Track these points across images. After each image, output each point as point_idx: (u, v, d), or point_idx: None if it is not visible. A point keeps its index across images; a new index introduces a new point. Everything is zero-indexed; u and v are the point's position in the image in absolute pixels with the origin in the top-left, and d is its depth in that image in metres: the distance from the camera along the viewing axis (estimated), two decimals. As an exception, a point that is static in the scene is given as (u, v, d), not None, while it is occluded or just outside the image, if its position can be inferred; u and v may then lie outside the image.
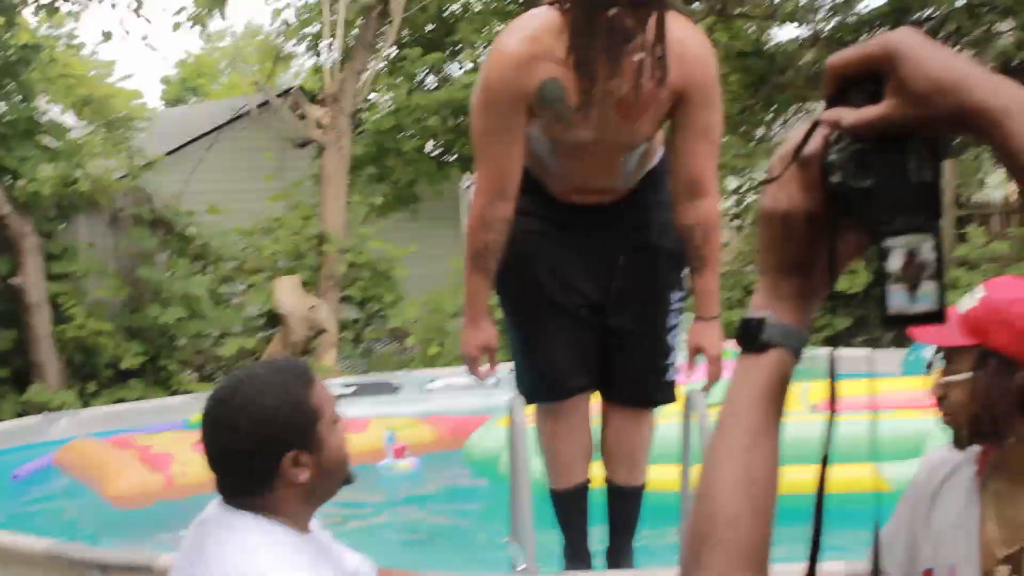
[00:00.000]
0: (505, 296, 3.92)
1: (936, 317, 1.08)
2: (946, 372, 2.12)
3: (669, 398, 4.00)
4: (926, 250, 1.08)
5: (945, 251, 1.09)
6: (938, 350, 2.10)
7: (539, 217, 3.77)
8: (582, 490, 4.03)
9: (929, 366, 2.14)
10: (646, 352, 3.90)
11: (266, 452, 2.23)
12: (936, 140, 1.09)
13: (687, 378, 3.89)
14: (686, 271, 3.86)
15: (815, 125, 1.14)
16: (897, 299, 1.08)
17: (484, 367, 3.80)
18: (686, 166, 3.64)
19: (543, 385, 3.87)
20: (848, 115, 1.07)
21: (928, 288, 1.08)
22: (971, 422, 2.07)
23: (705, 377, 3.76)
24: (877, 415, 1.61)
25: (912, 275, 1.08)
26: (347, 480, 2.37)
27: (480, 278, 3.70)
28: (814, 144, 1.14)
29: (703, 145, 3.63)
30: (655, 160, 3.85)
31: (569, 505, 4.04)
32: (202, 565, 2.23)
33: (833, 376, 1.22)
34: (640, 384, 3.94)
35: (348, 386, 8.55)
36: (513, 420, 3.73)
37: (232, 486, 2.29)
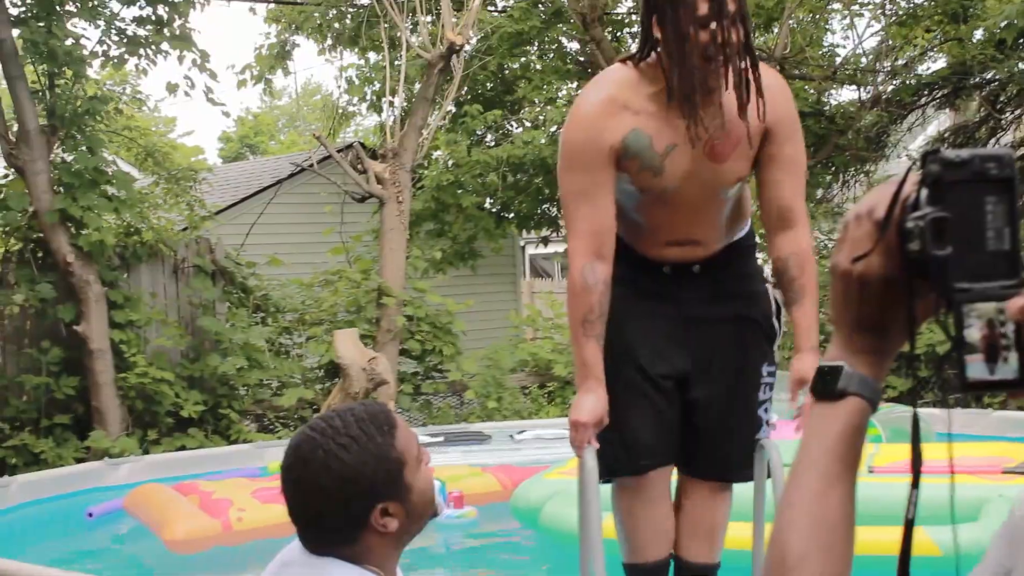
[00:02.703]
0: None
1: (1018, 385, 1.09)
2: None
3: (753, 475, 3.89)
4: (1006, 319, 1.08)
5: None
6: None
7: (628, 284, 3.71)
8: (662, 566, 3.93)
9: None
10: (732, 426, 3.82)
11: (354, 509, 2.21)
12: (1014, 208, 1.10)
13: (792, 407, 3.78)
14: (776, 344, 3.84)
15: (898, 192, 1.16)
16: (976, 368, 1.09)
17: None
18: (776, 198, 3.65)
19: (622, 459, 3.76)
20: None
21: (1009, 357, 1.08)
22: None
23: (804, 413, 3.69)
24: (951, 478, 1.60)
25: (991, 344, 1.08)
26: (434, 515, 2.36)
27: (591, 344, 3.58)
28: (891, 209, 1.16)
29: (791, 177, 3.64)
30: (744, 228, 3.83)
31: None
32: None
33: (916, 437, 1.23)
34: (724, 459, 3.86)
35: (436, 436, 8.58)
36: (584, 468, 3.67)
37: (318, 539, 2.27)
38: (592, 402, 3.59)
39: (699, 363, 3.78)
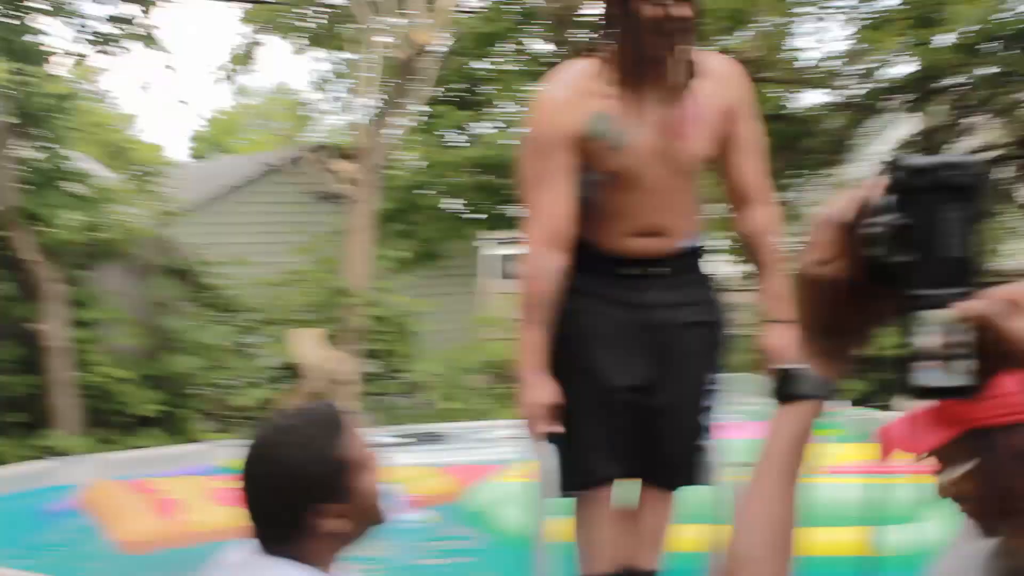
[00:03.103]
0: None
1: (968, 392, 1.11)
2: (942, 470, 2.06)
3: (704, 480, 3.94)
4: (961, 326, 1.10)
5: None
6: (926, 455, 2.02)
7: (591, 295, 3.73)
8: None
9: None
10: (687, 434, 3.86)
11: (295, 507, 2.22)
12: (974, 216, 1.10)
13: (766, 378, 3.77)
14: (724, 350, 3.85)
15: (861, 200, 1.18)
16: (930, 373, 1.10)
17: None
18: (740, 176, 3.75)
19: (579, 474, 3.77)
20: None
21: (962, 364, 1.10)
22: (996, 503, 2.01)
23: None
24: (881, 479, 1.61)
25: (947, 350, 1.10)
26: (381, 521, 2.35)
27: (536, 331, 3.62)
28: (855, 214, 1.16)
29: (752, 156, 3.75)
30: (698, 233, 3.87)
31: None
32: None
33: (865, 438, 1.27)
34: (682, 466, 3.89)
35: (407, 436, 8.57)
36: (543, 470, 3.68)
37: (263, 535, 2.28)
38: (536, 392, 3.59)
39: (660, 370, 3.80)
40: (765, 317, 3.80)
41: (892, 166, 1.14)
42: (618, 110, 3.56)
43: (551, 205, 3.59)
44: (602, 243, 3.74)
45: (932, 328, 1.09)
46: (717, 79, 3.65)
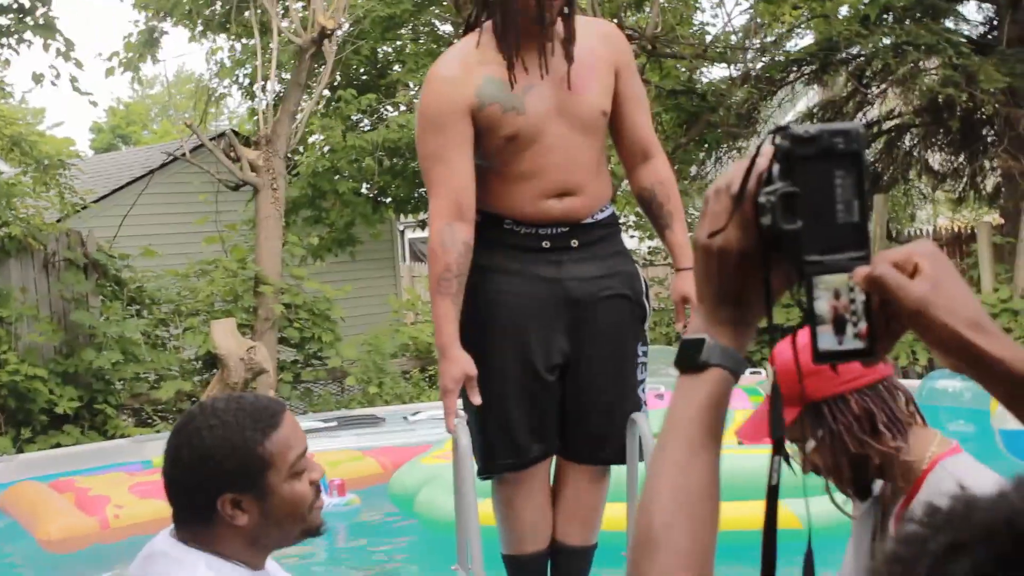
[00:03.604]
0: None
1: (866, 354, 1.12)
2: (802, 447, 2.17)
3: (635, 455, 3.86)
4: (854, 290, 1.11)
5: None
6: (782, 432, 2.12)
7: (506, 272, 3.71)
8: (542, 557, 3.93)
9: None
10: (612, 409, 3.81)
11: (203, 489, 2.20)
12: (862, 181, 1.12)
13: (680, 328, 3.82)
14: (647, 324, 3.88)
15: (750, 167, 1.18)
16: (826, 338, 1.12)
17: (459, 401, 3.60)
18: (632, 132, 3.81)
19: (504, 454, 3.73)
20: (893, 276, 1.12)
21: (856, 328, 1.11)
22: (850, 469, 2.12)
23: (687, 327, 3.72)
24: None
25: (840, 315, 1.11)
26: (310, 533, 2.32)
27: (446, 303, 3.58)
28: (745, 184, 1.18)
29: (641, 111, 3.83)
30: (610, 203, 3.87)
31: (526, 572, 3.93)
32: None
33: (776, 404, 1.27)
34: (604, 443, 3.83)
35: (329, 421, 8.53)
36: (457, 445, 3.67)
37: (176, 515, 2.27)
38: (451, 364, 3.59)
39: (580, 345, 3.77)
40: (675, 265, 3.84)
41: (777, 135, 1.15)
42: (506, 74, 3.58)
43: (451, 178, 3.59)
44: (514, 212, 3.72)
45: (826, 293, 1.11)
46: (600, 37, 3.73)
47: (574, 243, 3.75)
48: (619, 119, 3.80)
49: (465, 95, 3.56)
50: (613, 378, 3.82)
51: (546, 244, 3.73)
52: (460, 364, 3.58)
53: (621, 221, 9.46)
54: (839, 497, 2.22)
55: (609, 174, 3.91)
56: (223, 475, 2.19)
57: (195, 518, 2.23)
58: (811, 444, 2.13)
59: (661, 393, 6.44)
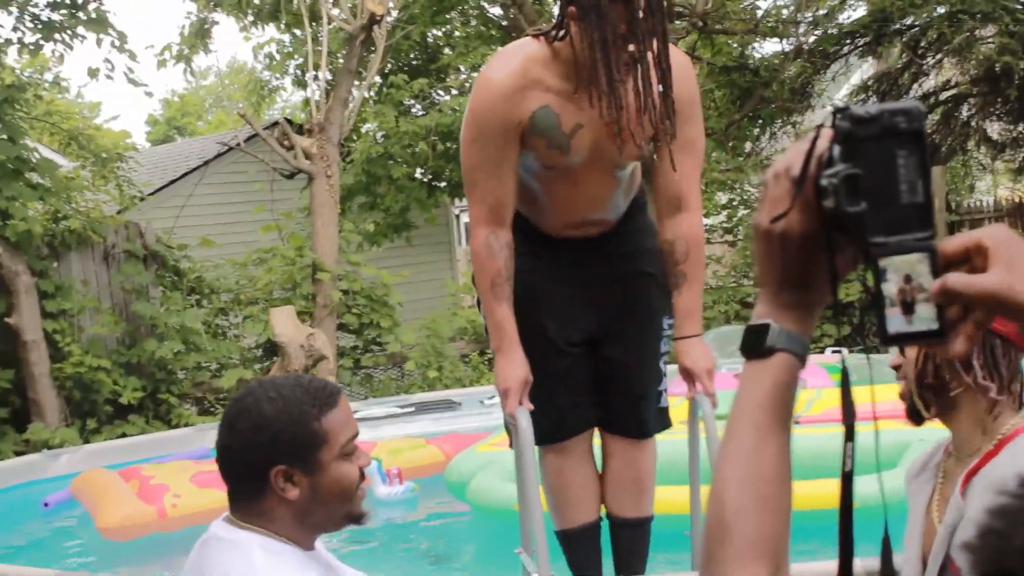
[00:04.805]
0: None
1: (936, 335, 1.10)
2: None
3: (664, 424, 3.97)
4: (922, 270, 1.10)
5: (940, 268, 1.10)
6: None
7: (532, 255, 3.75)
8: (593, 528, 3.99)
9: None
10: (641, 381, 3.89)
11: (256, 458, 2.23)
12: (925, 161, 1.11)
13: (688, 396, 3.83)
14: (671, 336, 3.88)
15: (811, 150, 1.16)
16: (895, 320, 1.10)
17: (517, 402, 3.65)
18: (669, 182, 3.66)
19: (544, 426, 3.77)
20: (959, 279, 1.08)
21: (925, 309, 1.10)
22: (918, 379, 2.15)
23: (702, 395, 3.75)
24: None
25: (908, 296, 1.10)
26: (354, 518, 2.35)
27: (502, 308, 3.62)
28: (805, 166, 1.17)
29: (686, 160, 3.63)
30: (636, 188, 3.87)
31: (580, 544, 3.98)
32: None
33: (847, 390, 1.25)
34: (639, 413, 3.91)
35: (406, 406, 8.55)
36: (519, 430, 3.69)
37: (230, 491, 2.30)
38: (514, 367, 3.63)
39: (606, 322, 3.83)
40: (679, 333, 3.76)
41: (837, 116, 1.14)
42: (561, 107, 3.50)
43: (496, 191, 3.58)
44: (542, 228, 3.79)
45: (893, 275, 1.10)
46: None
47: (596, 232, 3.79)
48: (657, 165, 3.68)
49: (519, 115, 3.50)
50: (640, 352, 3.88)
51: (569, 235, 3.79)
52: (524, 367, 3.63)
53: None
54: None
55: (637, 176, 3.86)
56: (278, 446, 2.22)
57: (247, 491, 2.27)
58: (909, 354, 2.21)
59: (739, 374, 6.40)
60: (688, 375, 3.73)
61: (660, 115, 3.45)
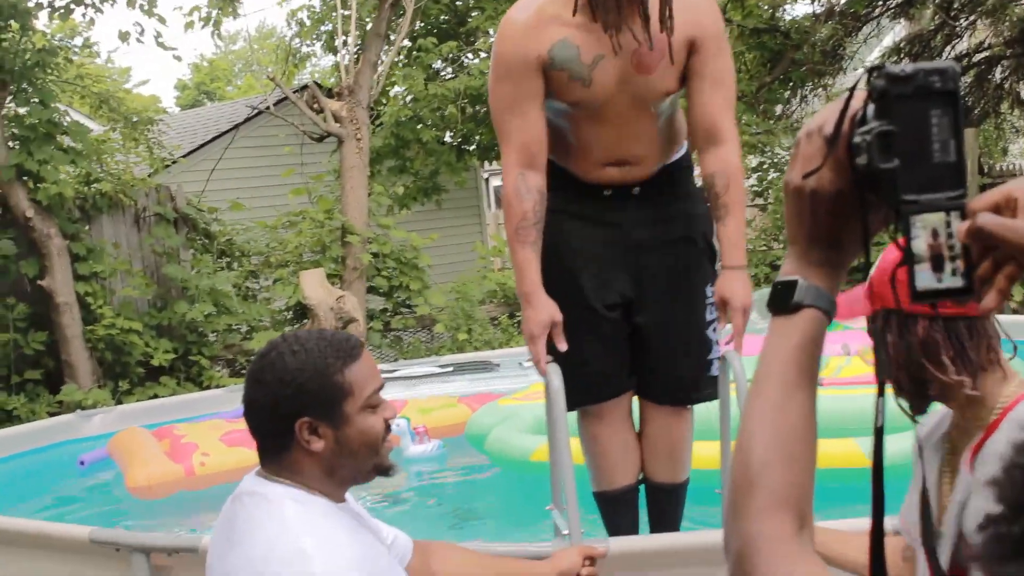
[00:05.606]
0: None
1: (964, 292, 1.11)
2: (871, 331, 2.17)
3: (710, 395, 3.91)
4: (952, 228, 1.10)
5: None
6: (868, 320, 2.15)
7: (570, 215, 3.74)
8: (631, 491, 3.99)
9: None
10: (681, 349, 3.85)
11: (281, 411, 2.25)
12: (958, 121, 1.11)
13: (720, 327, 3.80)
14: (718, 264, 3.84)
15: (845, 108, 1.17)
16: (924, 277, 1.11)
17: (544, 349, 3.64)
18: (703, 115, 3.66)
19: (581, 389, 3.77)
20: (990, 219, 1.08)
21: (954, 266, 1.11)
22: (909, 382, 2.10)
23: (731, 328, 3.72)
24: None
25: (938, 253, 1.11)
26: (381, 470, 2.37)
27: (526, 251, 3.61)
28: (838, 125, 1.18)
29: (718, 93, 3.65)
30: (681, 150, 3.85)
31: (617, 507, 3.99)
32: (238, 536, 2.24)
33: (879, 348, 1.26)
34: (674, 381, 3.89)
35: (445, 366, 8.58)
36: (550, 388, 3.70)
37: (259, 445, 2.33)
38: (535, 310, 3.62)
39: (643, 288, 3.80)
40: (722, 263, 3.72)
41: (872, 74, 1.15)
42: (581, 39, 3.53)
43: (523, 128, 3.59)
44: (576, 171, 3.76)
45: (923, 232, 1.11)
46: (689, 8, 3.56)
47: (636, 191, 3.76)
48: (690, 97, 3.70)
49: (538, 49, 3.53)
50: (680, 320, 3.84)
51: (607, 192, 3.75)
52: (547, 310, 3.62)
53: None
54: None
55: (682, 127, 3.85)
56: (302, 397, 2.24)
57: (275, 445, 2.29)
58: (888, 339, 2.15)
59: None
60: (724, 304, 3.70)
61: (668, 29, 3.50)
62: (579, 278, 3.76)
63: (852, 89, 1.18)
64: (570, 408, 3.78)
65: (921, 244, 1.11)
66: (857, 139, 1.15)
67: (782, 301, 1.26)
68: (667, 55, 3.55)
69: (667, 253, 3.79)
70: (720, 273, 3.72)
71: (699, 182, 3.88)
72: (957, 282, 1.11)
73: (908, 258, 1.12)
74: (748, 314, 3.65)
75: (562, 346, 3.64)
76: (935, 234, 1.11)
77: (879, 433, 1.24)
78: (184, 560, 4.02)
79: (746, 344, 3.72)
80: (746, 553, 1.20)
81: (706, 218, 3.82)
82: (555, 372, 3.64)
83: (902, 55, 14.35)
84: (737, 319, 3.65)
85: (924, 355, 2.07)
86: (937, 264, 1.11)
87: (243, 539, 2.22)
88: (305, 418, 2.24)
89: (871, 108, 1.15)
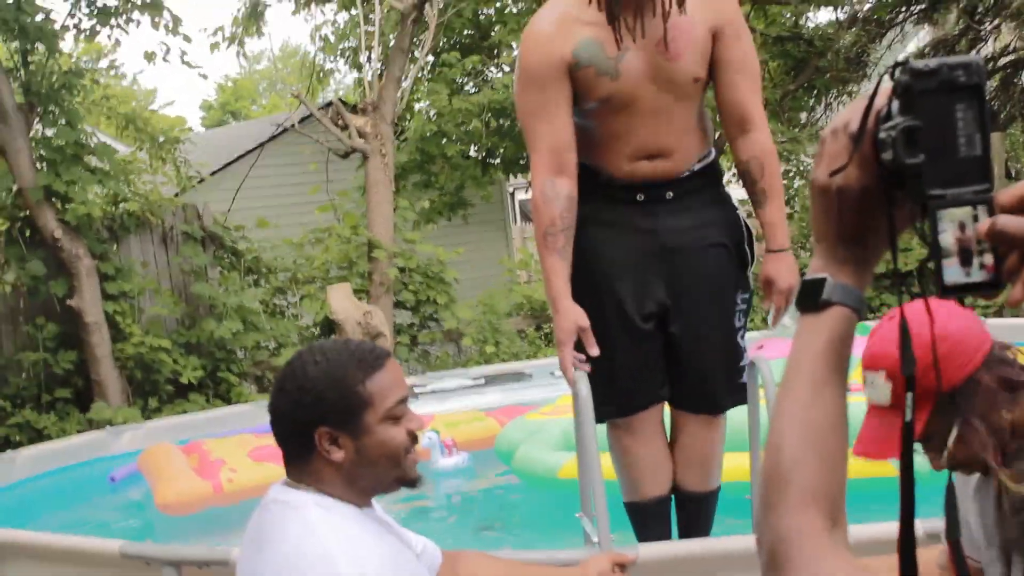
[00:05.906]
0: None
1: (993, 286, 1.11)
2: (937, 447, 2.09)
3: (740, 401, 3.91)
4: (979, 221, 1.10)
5: None
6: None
7: (604, 223, 3.75)
8: (663, 502, 3.97)
9: None
10: (713, 356, 3.84)
11: (301, 420, 2.27)
12: (984, 115, 1.11)
13: (765, 307, 3.81)
14: (750, 271, 3.85)
15: (870, 105, 1.18)
16: (952, 271, 1.11)
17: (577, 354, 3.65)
18: (732, 102, 3.72)
19: (611, 400, 3.78)
20: (1009, 220, 1.07)
21: (982, 259, 1.10)
22: (996, 444, 2.05)
23: (773, 310, 3.74)
24: None
25: (966, 247, 1.10)
26: (405, 481, 2.37)
27: (554, 258, 3.63)
28: (863, 122, 1.19)
29: (744, 78, 3.71)
30: (710, 154, 3.85)
31: (648, 518, 3.98)
32: (265, 542, 2.25)
33: (905, 343, 1.25)
34: (708, 389, 3.88)
35: (477, 378, 8.60)
36: (577, 395, 3.69)
37: (284, 452, 2.35)
38: (562, 317, 3.64)
39: (677, 294, 3.79)
40: (766, 246, 3.77)
41: (896, 70, 1.15)
42: (604, 35, 3.57)
43: (551, 134, 3.62)
44: (608, 169, 3.76)
45: (950, 226, 1.10)
46: (705, 1, 3.64)
47: (669, 195, 3.76)
48: (717, 85, 3.74)
49: (563, 53, 3.57)
50: (713, 327, 3.83)
51: (640, 197, 3.76)
52: (572, 316, 3.62)
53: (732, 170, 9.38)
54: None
55: (709, 127, 3.86)
56: (321, 406, 2.26)
57: (298, 454, 2.31)
58: (953, 435, 2.06)
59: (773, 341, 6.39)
60: (768, 286, 3.71)
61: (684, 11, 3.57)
62: (616, 289, 3.76)
63: (876, 85, 1.19)
64: (602, 419, 3.78)
65: (949, 238, 1.11)
66: (882, 135, 1.16)
67: (811, 299, 1.27)
68: (694, 41, 3.60)
69: (701, 259, 3.79)
70: (764, 255, 3.77)
71: (733, 169, 3.91)
72: (985, 276, 1.10)
73: (935, 253, 1.12)
74: (792, 295, 3.65)
75: (593, 351, 3.64)
76: (962, 228, 1.10)
77: (908, 428, 1.24)
78: (215, 573, 4.03)
79: (773, 347, 3.72)
80: (779, 548, 1.20)
81: (737, 223, 3.83)
82: (582, 380, 3.64)
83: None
84: (780, 300, 3.68)
85: (1006, 398, 2.03)
86: (965, 258, 1.10)
87: (270, 544, 2.23)
88: (324, 427, 2.26)
89: (896, 104, 1.16)
